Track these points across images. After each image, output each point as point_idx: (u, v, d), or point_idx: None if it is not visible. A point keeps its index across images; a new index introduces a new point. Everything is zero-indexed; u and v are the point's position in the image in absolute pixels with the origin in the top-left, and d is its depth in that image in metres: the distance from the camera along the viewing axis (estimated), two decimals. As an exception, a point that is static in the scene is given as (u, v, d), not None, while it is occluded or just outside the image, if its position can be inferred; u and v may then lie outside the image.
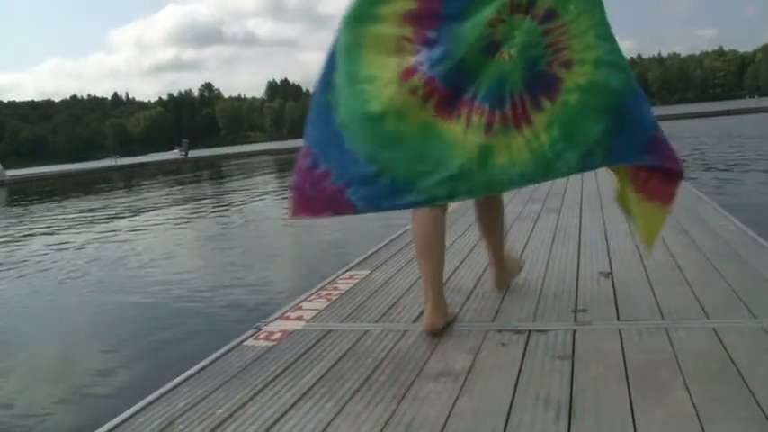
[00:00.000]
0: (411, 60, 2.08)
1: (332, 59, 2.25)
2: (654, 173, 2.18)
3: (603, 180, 6.77)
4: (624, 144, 2.08)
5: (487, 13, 2.03)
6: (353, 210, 2.19)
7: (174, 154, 63.64)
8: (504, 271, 2.88)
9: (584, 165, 2.08)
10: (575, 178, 7.08)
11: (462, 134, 2.05)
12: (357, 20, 2.18)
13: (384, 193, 2.14)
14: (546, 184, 6.43)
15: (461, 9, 2.07)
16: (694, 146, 18.26)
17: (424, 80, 2.06)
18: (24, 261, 9.17)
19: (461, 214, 5.25)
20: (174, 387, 2.10)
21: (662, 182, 2.20)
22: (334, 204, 2.21)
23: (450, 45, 2.05)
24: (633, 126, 2.10)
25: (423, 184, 2.09)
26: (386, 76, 2.10)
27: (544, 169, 2.05)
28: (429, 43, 2.08)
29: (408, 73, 2.08)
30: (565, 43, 2.04)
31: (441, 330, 2.36)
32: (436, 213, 2.45)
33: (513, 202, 5.73)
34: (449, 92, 2.06)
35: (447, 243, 3.20)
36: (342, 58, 2.21)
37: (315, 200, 2.24)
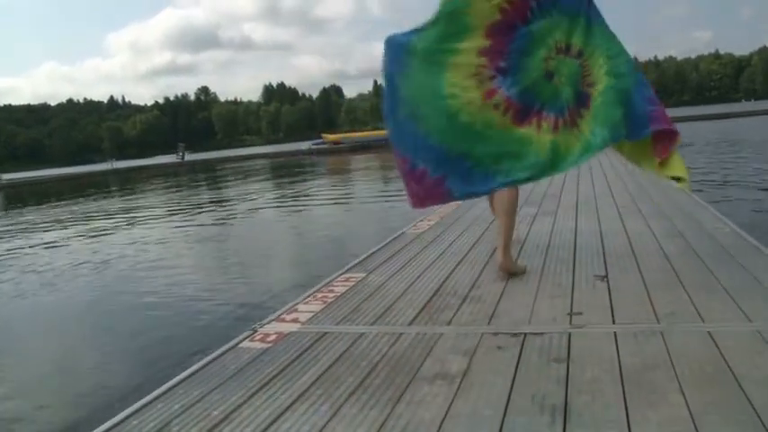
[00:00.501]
0: (491, 85, 2.87)
1: (392, 80, 2.98)
2: (658, 141, 2.88)
3: (599, 183, 6.80)
4: (636, 123, 2.79)
5: (542, 53, 2.89)
6: (450, 196, 2.99)
7: (173, 158, 63.55)
8: (509, 257, 3.23)
9: (613, 137, 2.79)
10: (571, 181, 7.09)
11: (536, 134, 2.84)
12: (437, 51, 2.91)
13: (478, 180, 2.90)
14: (542, 187, 6.45)
15: (523, 47, 2.89)
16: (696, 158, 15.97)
17: (504, 99, 2.86)
18: (16, 263, 9.15)
19: (458, 218, 5.27)
20: (170, 389, 2.10)
21: (665, 144, 2.89)
22: (434, 193, 2.98)
23: (519, 75, 2.89)
24: (639, 110, 2.81)
25: (509, 171, 2.87)
26: (467, 95, 2.86)
27: (586, 147, 2.80)
28: (501, 71, 2.88)
29: (490, 93, 2.86)
30: (589, 70, 2.88)
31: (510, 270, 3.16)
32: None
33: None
34: (521, 106, 2.86)
35: (445, 245, 3.91)
36: (416, 79, 2.94)
37: (422, 192, 2.99)
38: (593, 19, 2.95)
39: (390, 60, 2.99)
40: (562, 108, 2.86)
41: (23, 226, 15.25)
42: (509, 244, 3.22)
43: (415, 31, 2.97)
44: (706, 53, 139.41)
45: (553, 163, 2.84)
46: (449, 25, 2.92)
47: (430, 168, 2.93)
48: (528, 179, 2.92)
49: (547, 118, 2.86)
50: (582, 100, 2.87)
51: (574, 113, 2.86)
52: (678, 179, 2.97)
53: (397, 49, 2.97)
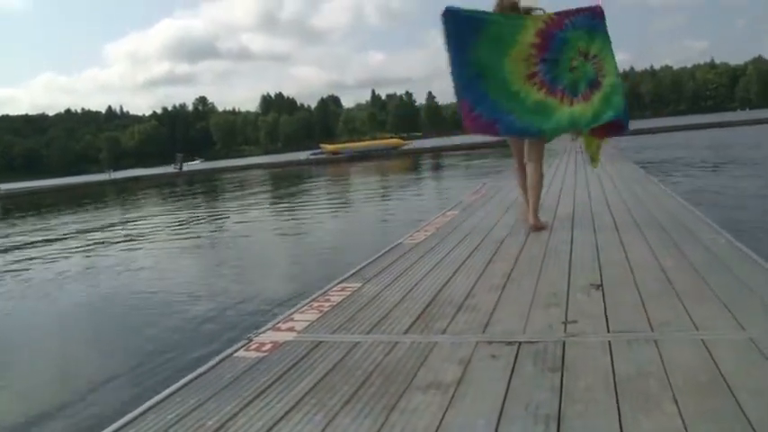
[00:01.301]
0: (534, 69, 4.33)
1: (462, 46, 4.29)
2: (606, 126, 4.35)
3: (596, 193, 6.82)
4: (623, 109, 4.27)
5: (571, 54, 4.34)
6: (497, 132, 4.47)
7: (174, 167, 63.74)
8: (537, 218, 4.78)
9: (616, 117, 4.22)
10: (567, 192, 7.11)
11: (558, 105, 4.29)
12: (501, 39, 4.29)
13: (518, 127, 4.35)
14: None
15: (559, 48, 4.32)
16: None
17: (541, 80, 4.33)
18: (12, 271, 9.14)
19: (454, 228, 5.28)
20: (165, 398, 2.10)
21: (607, 130, 4.46)
22: (487, 129, 4.44)
23: (553, 66, 4.33)
24: (624, 102, 4.32)
25: (541, 125, 4.32)
26: (518, 73, 4.31)
27: (596, 117, 4.23)
28: (544, 61, 4.33)
29: (533, 75, 4.33)
30: (602, 67, 4.30)
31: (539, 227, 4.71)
32: (523, 168, 4.93)
33: (506, 215, 5.76)
34: (551, 86, 4.32)
35: (441, 255, 4.10)
36: (484, 52, 4.27)
37: (475, 127, 4.43)
38: (607, 37, 4.35)
39: (457, 28, 4.28)
40: (577, 92, 4.30)
41: (19, 237, 15.22)
42: (537, 210, 4.79)
43: (482, 13, 4.35)
44: (702, 62, 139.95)
45: (571, 123, 4.32)
46: (511, 21, 4.39)
47: (485, 113, 4.31)
48: (552, 131, 4.45)
49: (566, 97, 4.30)
50: (595, 85, 4.28)
51: (588, 93, 4.28)
52: (593, 160, 5.02)
53: (466, 22, 4.29)
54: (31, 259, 10.61)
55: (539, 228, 4.68)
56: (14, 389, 4.38)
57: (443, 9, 4.28)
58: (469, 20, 4.26)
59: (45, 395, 4.12)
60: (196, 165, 71.46)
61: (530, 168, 4.83)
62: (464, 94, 4.33)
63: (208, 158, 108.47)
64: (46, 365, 4.85)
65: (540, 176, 4.83)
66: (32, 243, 13.35)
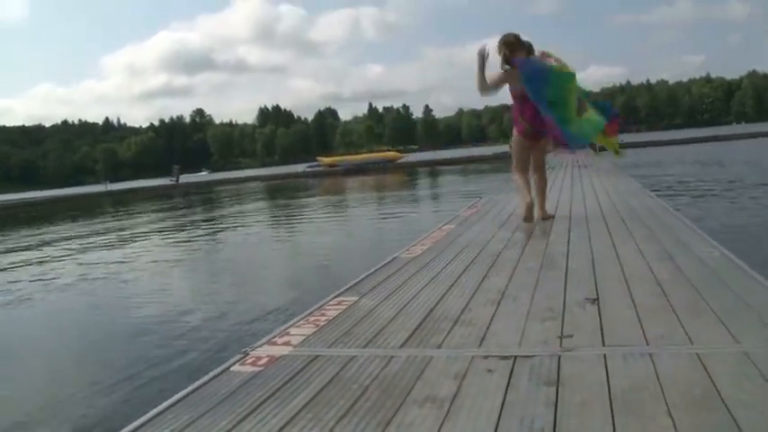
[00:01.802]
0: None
1: (536, 85, 5.39)
2: (610, 125, 6.90)
3: (591, 206, 6.83)
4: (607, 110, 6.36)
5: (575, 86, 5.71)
6: (568, 146, 6.40)
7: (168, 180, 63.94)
8: (545, 211, 6.08)
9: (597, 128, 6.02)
10: (563, 205, 7.13)
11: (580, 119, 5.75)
12: (562, 87, 5.38)
13: (575, 138, 5.66)
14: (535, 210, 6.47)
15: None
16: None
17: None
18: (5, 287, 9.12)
19: (451, 242, 5.28)
20: (159, 414, 2.09)
21: (612, 128, 7.21)
22: (560, 141, 5.98)
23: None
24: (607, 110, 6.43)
25: (581, 138, 5.88)
26: (569, 104, 5.48)
27: (594, 130, 5.96)
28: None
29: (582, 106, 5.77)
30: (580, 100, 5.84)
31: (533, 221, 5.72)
32: (527, 176, 5.97)
33: (502, 229, 5.77)
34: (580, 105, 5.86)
35: (438, 269, 4.07)
36: (554, 91, 5.36)
37: (557, 139, 5.93)
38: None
39: (534, 74, 5.36)
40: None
41: (6, 248, 15.19)
42: (544, 206, 6.10)
43: (549, 68, 5.40)
44: (698, 77, 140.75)
45: (585, 136, 5.87)
46: (569, 75, 5.48)
47: (557, 130, 5.53)
48: (579, 143, 6.21)
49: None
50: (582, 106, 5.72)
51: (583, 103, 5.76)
52: (617, 152, 7.10)
53: (539, 71, 5.36)
54: (30, 270, 10.59)
55: (548, 218, 6.03)
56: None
57: (515, 62, 5.47)
58: (542, 71, 5.38)
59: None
60: (202, 175, 73.41)
61: (538, 175, 6.07)
62: (547, 112, 5.43)
63: (207, 170, 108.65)
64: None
65: (546, 179, 6.26)
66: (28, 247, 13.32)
